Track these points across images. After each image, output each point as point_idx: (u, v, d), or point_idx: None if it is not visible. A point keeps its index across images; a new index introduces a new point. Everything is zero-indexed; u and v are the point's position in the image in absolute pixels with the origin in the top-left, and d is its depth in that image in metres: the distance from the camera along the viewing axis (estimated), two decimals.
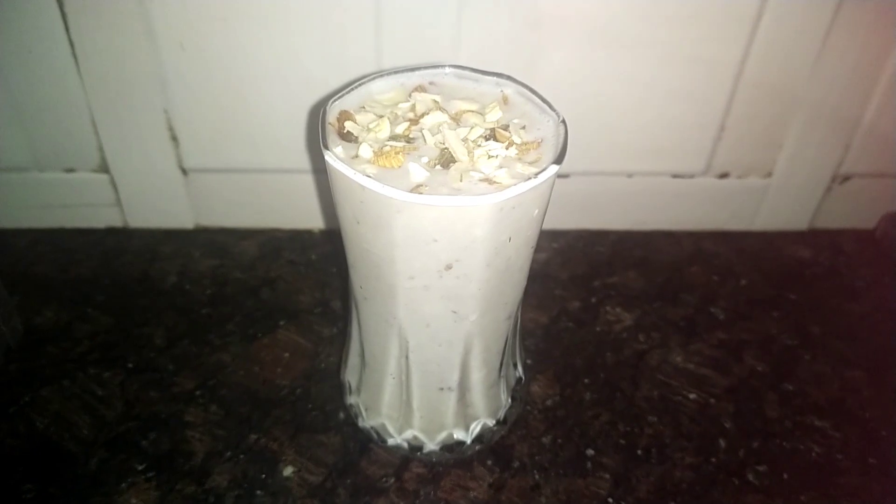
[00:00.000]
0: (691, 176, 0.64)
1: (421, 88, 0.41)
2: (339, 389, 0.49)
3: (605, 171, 0.63)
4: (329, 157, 0.35)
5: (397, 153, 0.36)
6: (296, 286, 0.59)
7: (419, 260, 0.36)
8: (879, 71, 0.59)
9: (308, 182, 0.62)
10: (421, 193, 0.34)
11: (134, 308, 0.57)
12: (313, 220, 0.64)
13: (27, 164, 0.59)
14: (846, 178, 0.65)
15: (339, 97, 0.40)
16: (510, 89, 0.42)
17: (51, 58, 0.54)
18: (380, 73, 0.41)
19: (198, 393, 0.51)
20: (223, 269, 0.60)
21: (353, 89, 0.40)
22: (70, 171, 0.60)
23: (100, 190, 0.61)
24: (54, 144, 0.59)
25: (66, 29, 0.53)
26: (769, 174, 0.64)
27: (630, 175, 0.63)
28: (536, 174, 0.35)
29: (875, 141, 0.62)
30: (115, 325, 0.55)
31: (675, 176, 0.64)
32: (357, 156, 0.36)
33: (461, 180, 0.35)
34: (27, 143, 0.58)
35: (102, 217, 0.63)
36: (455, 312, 0.39)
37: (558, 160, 0.36)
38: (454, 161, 0.36)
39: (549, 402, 0.52)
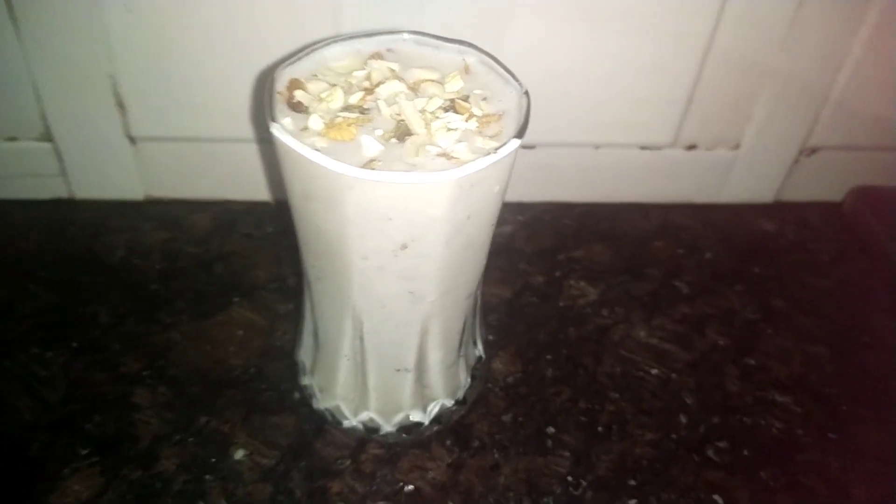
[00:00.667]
0: (659, 148, 0.62)
1: (378, 56, 0.39)
2: (294, 369, 0.48)
3: (571, 142, 0.61)
4: (275, 129, 0.33)
5: (350, 125, 0.34)
6: (251, 261, 0.57)
7: (373, 239, 0.34)
8: (849, 44, 0.58)
9: (263, 151, 0.59)
10: (374, 169, 0.32)
11: (79, 284, 0.54)
12: (270, 191, 0.62)
13: None
14: (814, 151, 0.64)
15: (289, 63, 0.37)
16: (472, 58, 0.40)
17: None
18: (334, 39, 0.39)
19: (145, 373, 0.49)
20: (174, 242, 0.58)
21: (304, 55, 0.38)
22: (11, 139, 0.57)
23: (43, 159, 0.58)
24: None
25: None
26: (737, 146, 0.63)
27: (597, 146, 0.62)
28: (497, 149, 0.33)
29: (843, 114, 0.62)
30: (59, 303, 0.53)
31: (643, 148, 0.62)
32: (306, 128, 0.34)
33: (417, 155, 0.33)
34: None
35: (47, 188, 0.59)
36: (412, 293, 0.37)
37: (519, 134, 0.34)
38: (410, 134, 0.35)
39: (510, 380, 0.51)
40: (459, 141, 0.34)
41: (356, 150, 0.34)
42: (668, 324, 0.55)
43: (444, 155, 0.34)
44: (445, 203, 0.33)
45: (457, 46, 0.40)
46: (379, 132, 0.34)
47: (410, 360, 0.41)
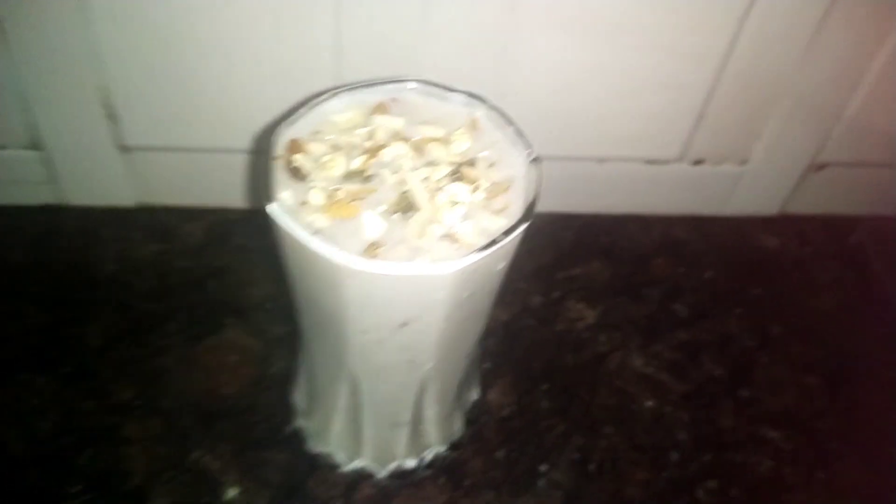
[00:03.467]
0: (665, 162, 0.61)
1: (382, 107, 0.37)
2: (288, 403, 0.47)
3: (576, 155, 0.59)
4: (273, 210, 0.31)
5: (352, 200, 0.33)
6: (246, 277, 0.56)
7: (373, 318, 0.33)
8: (868, 63, 0.56)
9: (258, 162, 0.57)
10: (376, 255, 0.31)
11: (70, 302, 0.53)
12: (264, 200, 0.60)
13: None
14: (822, 167, 0.63)
15: (290, 122, 0.35)
16: (480, 112, 0.38)
17: None
18: (337, 90, 0.37)
19: (136, 403, 0.48)
20: (166, 255, 0.56)
21: (305, 111, 0.36)
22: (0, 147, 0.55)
23: (32, 167, 0.55)
24: None
25: None
26: (745, 161, 0.62)
27: (601, 160, 0.60)
28: (504, 233, 0.32)
29: (856, 131, 0.60)
30: (49, 323, 0.51)
31: (648, 162, 0.61)
32: (306, 202, 0.33)
33: (421, 237, 0.32)
34: None
35: (36, 195, 0.57)
36: (411, 361, 0.37)
37: (526, 216, 0.33)
38: (415, 209, 0.33)
39: (505, 413, 0.50)
40: (465, 218, 0.33)
41: (358, 229, 0.32)
42: (665, 351, 0.55)
43: (449, 237, 0.32)
44: (448, 288, 0.32)
45: (465, 98, 0.38)
46: (382, 207, 0.33)
47: (407, 416, 0.41)
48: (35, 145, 0.54)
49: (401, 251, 0.32)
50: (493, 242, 0.31)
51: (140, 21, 0.48)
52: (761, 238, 0.65)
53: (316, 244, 0.30)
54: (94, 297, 0.53)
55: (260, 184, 0.56)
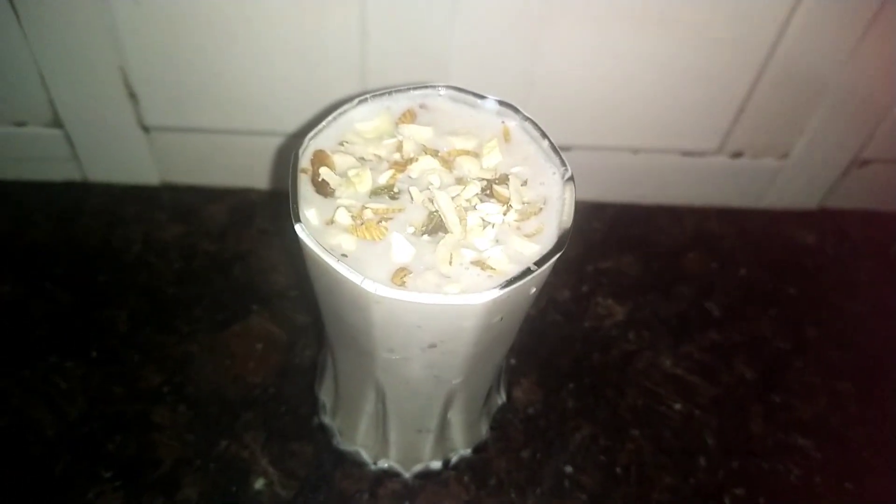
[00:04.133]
0: (702, 154, 0.59)
1: (410, 115, 0.36)
2: (314, 398, 0.47)
3: (610, 145, 0.58)
4: (300, 230, 0.31)
5: (380, 220, 0.32)
6: (269, 262, 0.56)
7: (400, 339, 0.33)
8: None
9: (278, 143, 0.56)
10: (404, 282, 0.30)
11: (95, 284, 0.53)
12: (285, 182, 0.59)
13: None
14: (865, 163, 0.60)
15: (315, 134, 0.34)
16: (513, 122, 0.36)
17: None
18: (362, 97, 0.36)
19: (164, 390, 0.49)
20: (191, 238, 0.56)
21: (331, 121, 0.35)
22: (21, 124, 0.54)
23: (54, 144, 0.55)
24: (1, 97, 0.52)
25: None
26: (786, 155, 0.59)
27: (636, 151, 0.58)
28: (537, 263, 0.30)
29: None
30: (76, 305, 0.52)
31: (685, 154, 0.59)
32: (333, 221, 0.32)
33: (451, 262, 0.31)
34: None
35: (59, 171, 0.57)
36: (437, 377, 0.36)
37: (560, 243, 0.31)
38: (444, 229, 0.32)
39: (530, 411, 0.50)
40: (497, 242, 0.32)
41: (386, 252, 0.31)
42: (696, 352, 0.54)
43: (479, 263, 0.31)
44: (477, 316, 0.31)
45: (496, 107, 0.36)
46: (410, 229, 0.32)
47: (433, 423, 0.41)
48: (56, 122, 0.54)
49: (429, 278, 0.31)
50: (526, 272, 0.30)
51: (158, 2, 0.47)
52: (798, 233, 0.63)
53: (343, 269, 0.29)
54: (121, 279, 0.53)
55: (283, 163, 0.56)
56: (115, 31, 0.48)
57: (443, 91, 0.37)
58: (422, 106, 0.37)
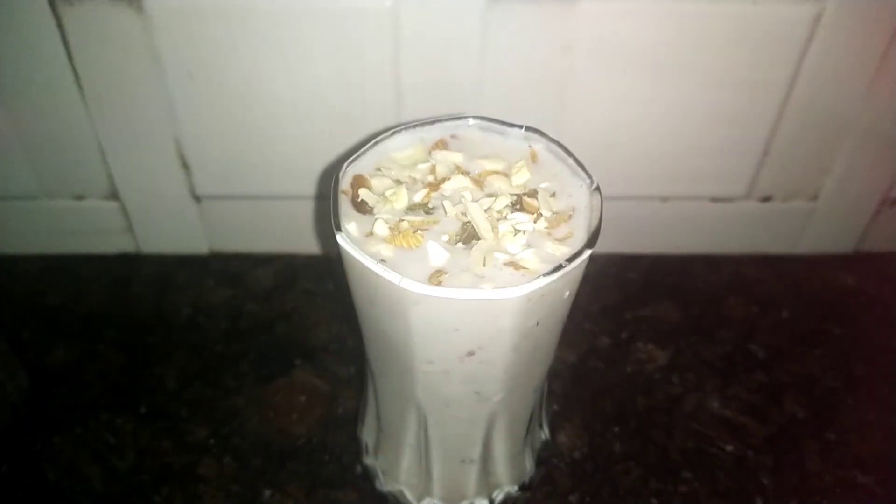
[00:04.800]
0: (731, 200, 0.60)
1: (442, 144, 0.38)
2: (357, 443, 0.47)
3: (638, 195, 0.59)
4: (341, 239, 0.32)
5: (416, 230, 0.33)
6: (312, 319, 0.57)
7: (438, 347, 0.33)
8: None
9: (322, 207, 0.59)
10: (440, 282, 0.31)
11: (146, 345, 0.55)
12: (329, 246, 0.61)
13: (35, 192, 0.57)
14: None
15: (354, 159, 0.37)
16: (539, 145, 0.38)
17: (54, 86, 0.51)
18: (397, 129, 0.38)
19: (211, 442, 0.49)
20: (237, 300, 0.58)
21: (368, 149, 0.37)
22: (79, 198, 0.58)
23: (110, 217, 0.59)
24: (62, 172, 0.56)
25: (69, 57, 0.50)
26: (815, 197, 0.60)
27: (665, 199, 0.60)
28: (568, 260, 0.31)
29: None
30: (127, 365, 0.53)
31: (714, 200, 0.60)
32: (372, 233, 0.34)
33: (485, 264, 0.32)
34: (34, 171, 0.56)
35: (114, 243, 0.61)
36: (478, 393, 0.36)
37: (591, 242, 0.32)
38: (477, 238, 0.33)
39: (576, 455, 0.49)
40: (528, 246, 0.33)
41: (422, 257, 0.33)
42: (743, 393, 0.53)
43: (513, 264, 0.32)
44: (513, 315, 0.32)
45: (523, 133, 0.38)
46: (445, 237, 0.33)
47: (476, 452, 0.40)
48: (113, 195, 0.57)
49: (465, 279, 0.32)
50: (560, 267, 0.31)
51: (212, 77, 0.51)
52: (838, 277, 0.62)
53: (382, 270, 0.31)
54: (169, 340, 0.55)
55: (326, 223, 0.58)
56: (171, 104, 0.52)
57: (472, 121, 0.39)
58: (453, 136, 0.39)
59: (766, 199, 0.60)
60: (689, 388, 0.53)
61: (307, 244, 0.61)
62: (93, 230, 0.60)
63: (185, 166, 0.56)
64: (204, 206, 0.58)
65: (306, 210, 0.59)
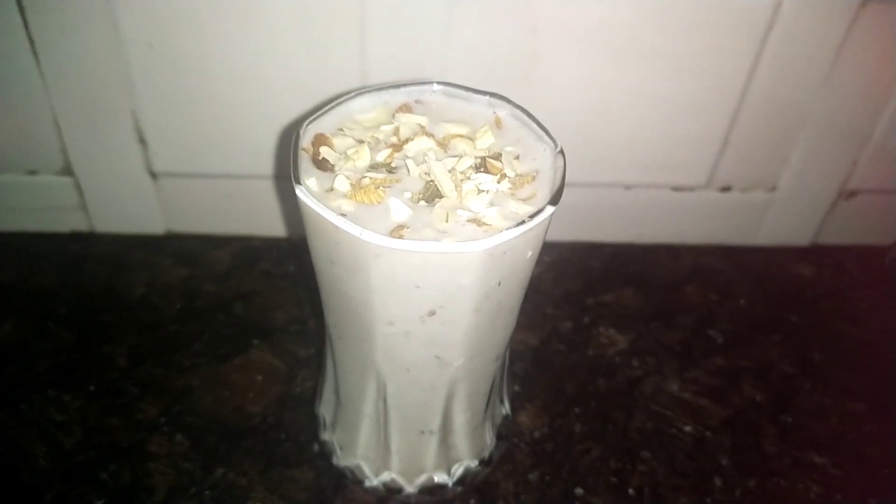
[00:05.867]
0: (692, 189, 0.60)
1: (406, 108, 0.38)
2: (314, 420, 0.46)
3: (602, 182, 0.59)
4: (300, 192, 0.32)
5: (377, 187, 0.33)
6: (271, 301, 0.56)
7: (399, 306, 0.33)
8: (892, 86, 0.55)
9: (285, 188, 0.58)
10: (402, 236, 0.31)
11: (97, 323, 0.53)
12: (291, 228, 0.61)
13: None
14: (852, 194, 0.62)
15: (315, 118, 0.36)
16: (504, 111, 0.38)
17: (8, 54, 0.50)
18: (361, 91, 0.38)
19: (162, 420, 0.48)
20: (194, 280, 0.57)
21: (330, 109, 0.37)
22: (32, 173, 0.56)
23: (64, 193, 0.57)
24: (14, 145, 0.55)
25: (26, 26, 0.48)
26: (773, 188, 0.61)
27: (628, 187, 0.60)
28: (531, 216, 0.31)
29: (884, 157, 0.59)
30: (77, 342, 0.52)
31: (675, 189, 0.60)
32: (332, 189, 0.33)
33: (447, 220, 0.32)
34: None
35: (67, 221, 0.59)
36: (439, 358, 0.36)
37: (554, 199, 0.32)
38: (440, 196, 0.33)
39: (536, 435, 0.49)
40: (491, 205, 0.33)
41: (384, 214, 0.32)
42: (702, 377, 0.53)
43: (475, 221, 0.32)
44: (476, 272, 0.31)
45: (487, 99, 0.38)
46: (407, 194, 0.33)
47: (435, 423, 0.40)
48: (67, 171, 0.56)
49: (427, 234, 0.31)
50: (522, 223, 0.31)
51: (172, 48, 0.50)
52: (795, 267, 0.63)
53: (342, 223, 0.30)
54: (122, 318, 0.54)
55: (287, 201, 0.57)
56: (129, 76, 0.51)
57: (437, 87, 0.39)
58: (417, 101, 0.39)
59: (726, 188, 0.61)
60: (649, 372, 0.53)
61: (268, 226, 0.60)
62: (45, 207, 0.58)
63: (142, 141, 0.55)
64: (161, 183, 0.57)
65: (267, 190, 0.58)
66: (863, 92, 0.55)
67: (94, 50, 0.50)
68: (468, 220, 0.32)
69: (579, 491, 0.46)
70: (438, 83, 0.39)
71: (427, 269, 0.31)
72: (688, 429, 0.50)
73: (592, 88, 0.54)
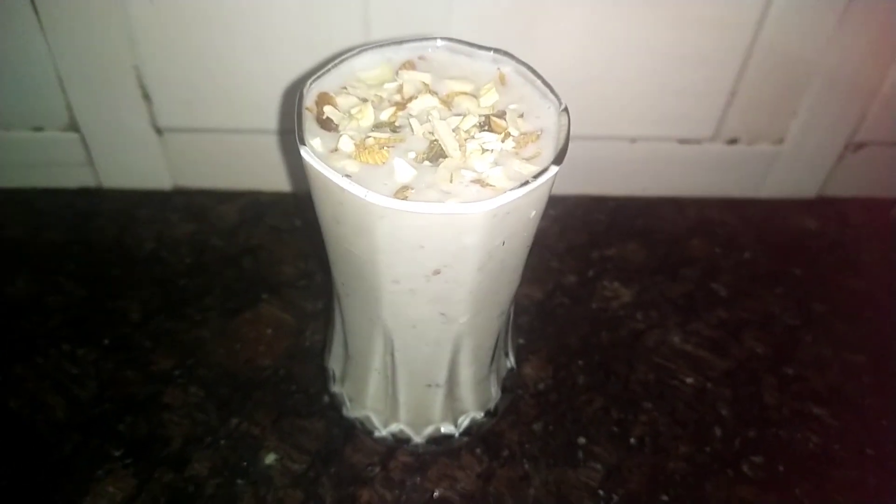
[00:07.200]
0: (698, 142, 0.60)
1: (409, 65, 0.38)
2: (324, 373, 0.47)
3: (607, 135, 0.59)
4: (305, 152, 0.32)
5: (381, 147, 0.33)
6: (278, 255, 0.57)
7: (404, 265, 0.33)
8: None
9: (290, 143, 0.58)
10: (406, 197, 0.31)
11: (108, 278, 0.54)
12: (297, 183, 0.61)
13: None
14: (859, 147, 0.62)
15: (318, 76, 0.36)
16: (508, 67, 0.38)
17: (10, 12, 0.49)
18: (364, 47, 0.38)
19: (176, 373, 0.49)
20: (202, 235, 0.57)
21: (333, 67, 0.37)
22: (38, 129, 0.56)
23: (70, 149, 0.57)
24: (19, 102, 0.55)
25: None
26: (780, 141, 0.61)
27: (633, 140, 0.60)
28: (535, 176, 0.31)
29: (893, 109, 0.59)
30: (89, 297, 0.53)
31: (681, 141, 0.60)
32: (337, 149, 0.33)
33: (451, 181, 0.32)
34: None
35: (74, 177, 0.59)
36: (444, 315, 0.36)
37: (558, 159, 0.32)
38: (444, 156, 0.33)
39: (541, 386, 0.50)
40: (495, 164, 0.33)
41: (388, 174, 0.32)
42: (704, 329, 0.54)
43: (479, 181, 0.32)
44: (479, 232, 0.32)
45: (492, 55, 0.38)
46: (412, 154, 0.33)
47: (441, 377, 0.41)
48: (72, 127, 0.56)
49: (431, 194, 0.32)
50: (526, 183, 0.31)
51: (173, 1, 0.49)
52: (799, 220, 0.64)
53: (347, 184, 0.30)
54: (132, 273, 0.54)
55: (292, 156, 0.57)
56: (130, 30, 0.51)
57: (440, 43, 0.39)
58: (420, 57, 0.38)
59: (733, 141, 0.60)
60: (651, 324, 0.54)
61: (274, 181, 0.61)
62: (52, 163, 0.58)
63: (146, 97, 0.54)
64: (166, 139, 0.57)
65: (272, 145, 0.58)
66: (872, 44, 0.54)
67: (96, 5, 0.49)
68: (472, 181, 0.32)
69: (582, 440, 0.47)
70: (442, 39, 0.39)
71: (431, 229, 0.31)
72: (689, 380, 0.51)
73: (598, 40, 0.53)
